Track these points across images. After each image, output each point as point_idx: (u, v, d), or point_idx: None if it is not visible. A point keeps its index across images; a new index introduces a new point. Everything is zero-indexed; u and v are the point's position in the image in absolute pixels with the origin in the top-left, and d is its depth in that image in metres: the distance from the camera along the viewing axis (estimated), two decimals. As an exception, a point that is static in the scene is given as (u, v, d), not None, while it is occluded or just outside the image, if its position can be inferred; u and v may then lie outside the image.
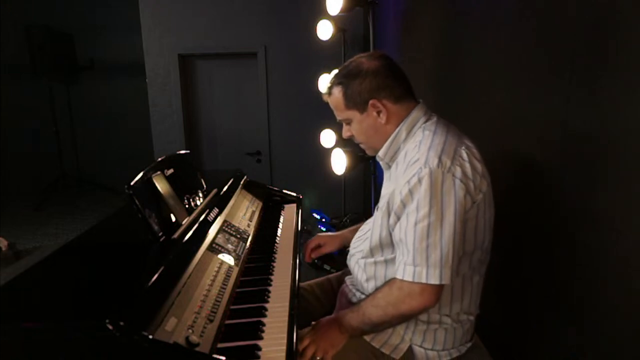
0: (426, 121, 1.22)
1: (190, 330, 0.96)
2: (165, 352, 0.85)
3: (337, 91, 1.25)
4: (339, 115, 1.29)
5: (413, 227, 1.06)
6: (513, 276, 1.46)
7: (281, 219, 1.96)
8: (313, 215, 3.57)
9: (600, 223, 1.02)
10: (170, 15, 4.08)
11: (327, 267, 2.46)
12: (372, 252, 1.28)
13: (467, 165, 1.09)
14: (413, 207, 1.07)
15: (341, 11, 2.91)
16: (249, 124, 4.36)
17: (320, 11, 3.22)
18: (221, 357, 0.89)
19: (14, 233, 4.31)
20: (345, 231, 1.68)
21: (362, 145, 1.34)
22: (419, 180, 1.06)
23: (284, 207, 2.13)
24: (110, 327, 0.79)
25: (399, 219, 1.13)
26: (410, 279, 1.06)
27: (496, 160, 1.56)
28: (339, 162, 2.79)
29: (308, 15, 3.70)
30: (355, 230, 1.61)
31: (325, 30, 3.27)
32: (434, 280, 1.04)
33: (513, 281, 1.46)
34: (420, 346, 1.21)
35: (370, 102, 1.21)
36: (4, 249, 3.87)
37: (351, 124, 1.28)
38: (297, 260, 1.55)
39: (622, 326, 0.95)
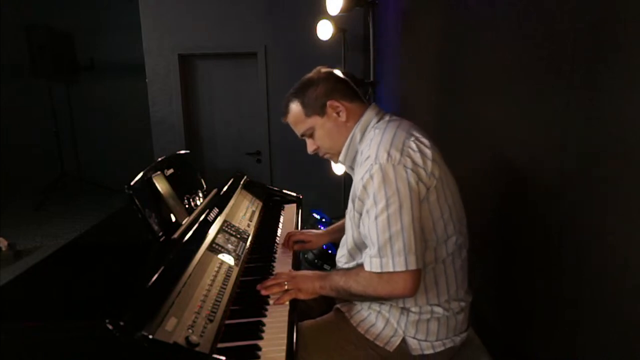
0: (378, 121, 1.28)
1: (190, 330, 0.96)
2: (165, 352, 0.85)
3: (295, 105, 1.32)
4: (301, 129, 1.34)
5: (374, 222, 1.11)
6: (511, 274, 1.46)
7: (281, 219, 1.96)
8: (313, 215, 3.57)
9: (599, 222, 1.02)
10: (170, 15, 4.08)
11: (327, 267, 2.47)
12: (352, 256, 1.32)
13: (417, 154, 1.14)
14: (371, 203, 1.12)
15: (341, 11, 2.91)
16: (249, 124, 4.36)
17: (320, 11, 3.22)
18: (221, 357, 0.89)
19: (14, 233, 4.30)
20: (329, 229, 1.75)
21: (327, 155, 1.39)
22: (371, 177, 1.11)
23: (284, 207, 2.13)
24: (110, 327, 0.80)
25: (361, 216, 1.19)
26: (377, 270, 1.11)
27: (496, 159, 1.56)
28: (339, 162, 2.79)
29: (308, 15, 3.70)
30: (339, 230, 1.68)
31: (325, 30, 3.26)
32: (400, 267, 1.08)
33: (510, 278, 1.46)
34: (414, 337, 1.22)
35: (328, 103, 1.28)
36: (4, 249, 3.87)
37: (314, 134, 1.33)
38: (297, 260, 1.55)
39: (620, 325, 0.96)
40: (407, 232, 1.08)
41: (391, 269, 1.08)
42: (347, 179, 3.65)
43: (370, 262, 1.12)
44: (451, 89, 2.01)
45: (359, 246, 1.27)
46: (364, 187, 1.14)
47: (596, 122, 1.01)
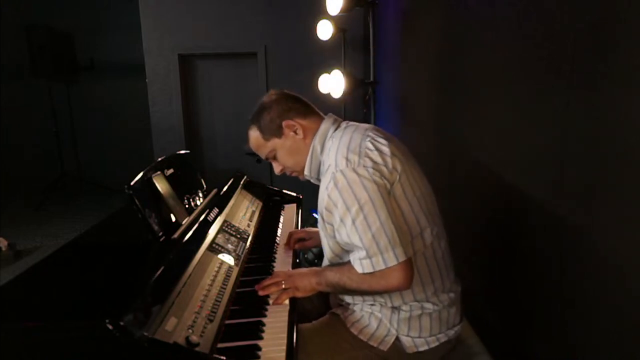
0: (335, 129, 1.30)
1: (190, 330, 0.96)
2: (165, 352, 0.85)
3: (253, 131, 1.36)
4: (264, 152, 1.38)
5: (353, 226, 1.10)
6: (511, 274, 1.46)
7: (281, 219, 1.96)
8: (313, 215, 3.57)
9: (599, 222, 1.02)
10: (170, 15, 4.09)
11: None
12: (332, 264, 1.32)
13: (375, 152, 1.15)
14: (343, 210, 1.12)
15: (341, 11, 2.91)
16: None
17: (320, 11, 3.22)
18: (221, 357, 0.89)
19: (14, 233, 4.30)
20: None
21: (294, 174, 1.41)
22: (335, 184, 1.13)
23: (284, 207, 2.13)
24: (110, 327, 0.80)
25: (333, 226, 1.19)
26: (370, 271, 1.11)
27: (495, 158, 1.56)
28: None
29: (308, 15, 3.70)
30: None
31: (325, 30, 3.27)
32: (392, 262, 1.08)
33: (510, 278, 1.46)
34: (407, 335, 1.22)
35: (284, 123, 1.31)
36: (4, 249, 3.87)
37: (277, 155, 1.36)
38: (297, 261, 1.55)
39: (620, 325, 0.96)
40: (387, 227, 1.08)
41: (383, 266, 1.09)
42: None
43: (362, 264, 1.11)
44: (451, 89, 2.01)
45: (338, 254, 1.27)
46: (329, 197, 1.15)
47: (596, 122, 1.01)
